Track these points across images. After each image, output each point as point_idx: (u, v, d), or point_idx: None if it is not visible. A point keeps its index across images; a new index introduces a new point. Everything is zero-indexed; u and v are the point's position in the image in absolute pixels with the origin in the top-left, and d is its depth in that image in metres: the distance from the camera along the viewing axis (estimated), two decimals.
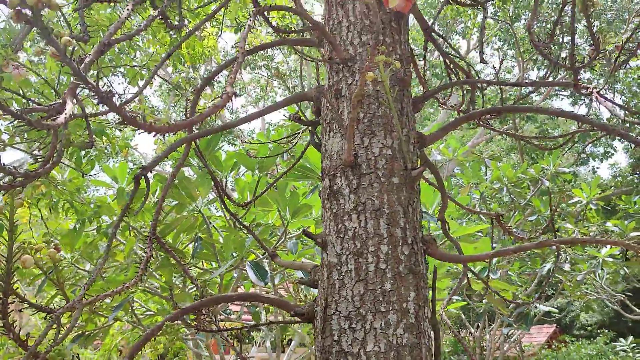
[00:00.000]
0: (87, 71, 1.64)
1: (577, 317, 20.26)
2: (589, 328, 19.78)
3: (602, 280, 8.51)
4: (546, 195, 8.66)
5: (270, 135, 6.19)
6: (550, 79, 2.69)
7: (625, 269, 8.71)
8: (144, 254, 2.41)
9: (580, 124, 2.41)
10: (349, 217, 2.20)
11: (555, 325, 18.08)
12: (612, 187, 13.88)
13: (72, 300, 1.92)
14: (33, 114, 1.59)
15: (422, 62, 3.43)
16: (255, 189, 4.26)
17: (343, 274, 2.13)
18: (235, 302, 5.36)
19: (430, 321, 2.28)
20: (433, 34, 2.92)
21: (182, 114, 15.88)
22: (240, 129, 19.04)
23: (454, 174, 12.25)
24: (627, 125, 2.69)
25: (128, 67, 4.72)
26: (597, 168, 16.31)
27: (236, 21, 5.09)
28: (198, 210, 4.58)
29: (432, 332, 2.23)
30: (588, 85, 2.12)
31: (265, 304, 5.38)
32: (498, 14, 15.18)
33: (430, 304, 2.32)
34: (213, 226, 4.78)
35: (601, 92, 2.04)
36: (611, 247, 7.89)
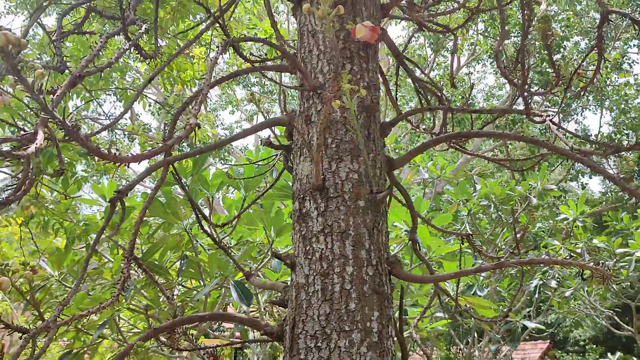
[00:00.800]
0: (59, 102, 1.74)
1: (570, 333, 20.26)
2: (582, 343, 19.78)
3: (590, 297, 8.57)
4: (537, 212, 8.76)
5: (260, 154, 6.29)
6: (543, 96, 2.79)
7: (613, 286, 8.77)
8: (122, 272, 2.49)
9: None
10: (317, 239, 2.28)
11: (549, 341, 18.07)
12: (603, 203, 13.99)
13: (47, 319, 1.99)
14: (5, 144, 1.68)
15: (413, 84, 3.53)
16: (241, 208, 4.35)
17: (310, 294, 2.21)
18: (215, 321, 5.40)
19: (398, 339, 2.35)
20: (405, 60, 3.03)
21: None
22: (232, 145, 19.15)
23: (443, 190, 12.36)
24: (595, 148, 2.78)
25: (118, 89, 4.82)
26: (586, 184, 16.41)
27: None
28: (184, 229, 4.65)
29: (397, 350, 2.31)
30: (541, 113, 2.22)
31: None
32: (489, 30, 15.41)
33: (398, 322, 2.40)
34: (200, 244, 4.85)
35: (555, 120, 2.14)
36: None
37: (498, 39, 2.96)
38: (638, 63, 19.27)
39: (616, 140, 13.84)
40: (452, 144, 2.92)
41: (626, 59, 14.30)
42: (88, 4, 2.32)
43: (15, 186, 1.69)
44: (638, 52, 15.76)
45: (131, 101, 2.82)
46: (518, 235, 8.21)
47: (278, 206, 5.34)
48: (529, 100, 2.25)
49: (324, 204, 2.32)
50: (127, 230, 4.92)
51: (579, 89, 2.53)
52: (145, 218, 5.04)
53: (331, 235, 2.26)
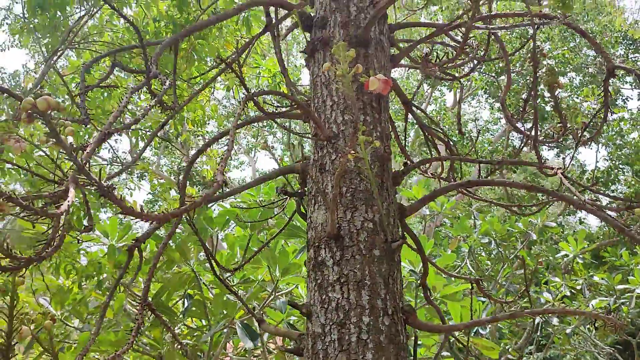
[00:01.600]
0: (89, 160, 1.79)
1: None
2: None
3: (591, 334, 8.54)
4: (534, 248, 8.80)
5: (262, 192, 6.34)
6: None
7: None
8: (136, 318, 2.50)
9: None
10: (333, 288, 2.31)
11: None
12: (600, 238, 14.02)
13: None
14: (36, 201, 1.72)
15: (422, 132, 3.60)
16: (246, 248, 4.37)
17: (327, 344, 2.23)
18: None
19: None
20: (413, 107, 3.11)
21: (173, 163, 16.02)
22: (231, 179, 19.24)
23: (443, 224, 12.41)
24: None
25: (123, 129, 4.87)
26: (584, 218, 16.48)
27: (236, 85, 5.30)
28: (191, 269, 4.66)
29: None
30: (552, 166, 2.29)
31: None
32: (483, 67, 15.64)
33: None
34: (204, 283, 4.85)
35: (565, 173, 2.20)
36: (599, 300, 7.96)
37: (503, 87, 3.04)
38: (632, 99, 19.58)
39: (612, 175, 13.98)
40: (461, 191, 2.98)
41: (620, 95, 14.54)
42: (114, 57, 2.39)
43: (45, 242, 1.72)
44: (632, 88, 16.03)
45: (144, 145, 2.87)
46: (519, 272, 8.24)
47: (282, 245, 5.37)
48: (539, 154, 2.31)
49: (339, 253, 2.36)
50: (131, 267, 4.93)
51: (587, 137, 2.60)
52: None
53: (347, 285, 2.29)
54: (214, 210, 5.44)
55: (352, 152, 2.15)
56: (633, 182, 15.90)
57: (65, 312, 4.69)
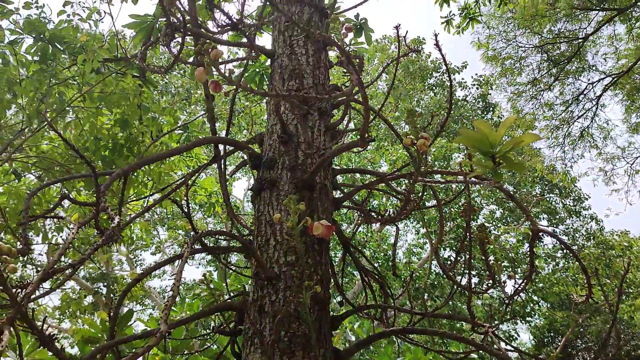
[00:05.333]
0: (29, 300, 1.72)
1: None
2: None
3: None
4: None
5: (185, 304, 6.16)
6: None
7: None
8: None
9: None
10: None
11: None
12: None
13: None
14: None
15: (359, 273, 3.66)
16: None
17: None
18: None
19: None
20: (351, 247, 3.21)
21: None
22: (152, 287, 18.47)
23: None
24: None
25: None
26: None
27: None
28: None
29: None
30: (484, 324, 2.41)
31: None
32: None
33: None
34: None
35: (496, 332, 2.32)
36: None
37: (437, 234, 3.21)
38: (545, 237, 20.90)
39: (529, 306, 14.59)
40: (399, 336, 3.03)
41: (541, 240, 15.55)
42: (61, 186, 2.38)
43: None
44: (547, 225, 17.23)
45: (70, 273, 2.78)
46: None
47: None
48: (473, 316, 2.44)
49: None
50: None
51: (515, 290, 2.75)
52: None
53: None
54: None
55: (294, 297, 2.19)
56: (547, 314, 16.59)
57: None
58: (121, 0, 6.14)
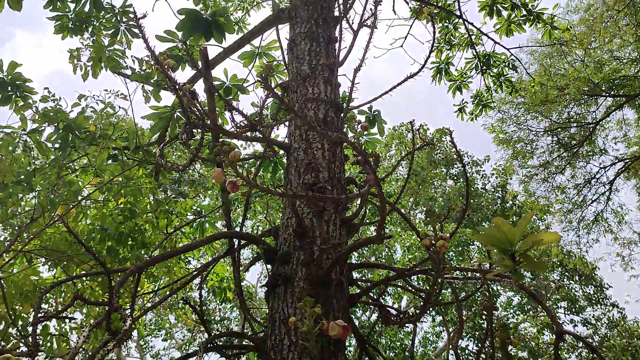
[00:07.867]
0: None
1: None
2: None
3: None
4: None
5: None
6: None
7: None
8: None
9: None
10: None
11: None
12: None
13: None
14: None
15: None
16: None
17: None
18: None
19: None
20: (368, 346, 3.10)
21: None
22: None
23: None
24: None
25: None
26: None
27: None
28: None
29: None
30: None
31: None
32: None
33: None
34: None
35: None
36: None
37: (456, 334, 3.10)
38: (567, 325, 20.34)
39: None
40: None
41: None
42: (75, 287, 2.36)
43: None
44: (566, 311, 16.73)
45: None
46: None
47: None
48: None
49: None
50: None
51: None
52: None
53: None
54: None
55: None
56: None
57: None
58: (144, 101, 6.37)
